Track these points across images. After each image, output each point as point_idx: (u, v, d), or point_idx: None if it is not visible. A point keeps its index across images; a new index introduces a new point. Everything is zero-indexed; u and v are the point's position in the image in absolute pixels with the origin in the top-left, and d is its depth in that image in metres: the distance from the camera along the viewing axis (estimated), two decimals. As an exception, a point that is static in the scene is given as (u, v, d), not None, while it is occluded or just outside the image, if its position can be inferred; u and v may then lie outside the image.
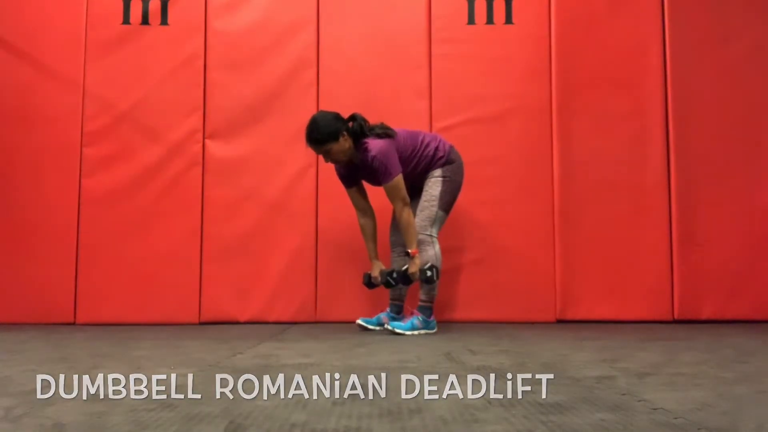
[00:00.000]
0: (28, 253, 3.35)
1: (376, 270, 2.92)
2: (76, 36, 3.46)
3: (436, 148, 2.87)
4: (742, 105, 3.46)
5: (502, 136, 3.44)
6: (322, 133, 2.72)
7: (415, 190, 2.89)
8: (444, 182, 2.84)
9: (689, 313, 3.34)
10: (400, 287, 2.97)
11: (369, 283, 2.96)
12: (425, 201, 2.83)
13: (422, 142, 2.87)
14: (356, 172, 2.90)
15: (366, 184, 2.98)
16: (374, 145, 2.73)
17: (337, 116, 2.77)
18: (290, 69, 3.48)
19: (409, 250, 2.77)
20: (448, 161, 2.87)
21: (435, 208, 2.81)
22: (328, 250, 3.40)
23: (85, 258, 3.36)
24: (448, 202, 2.86)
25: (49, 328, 3.14)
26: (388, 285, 2.86)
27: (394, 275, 2.81)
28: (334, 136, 2.72)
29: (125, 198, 3.39)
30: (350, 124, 2.79)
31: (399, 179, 2.75)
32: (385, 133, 2.78)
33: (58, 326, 3.23)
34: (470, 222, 3.40)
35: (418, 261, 2.77)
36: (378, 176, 2.76)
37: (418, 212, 2.84)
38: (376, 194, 2.96)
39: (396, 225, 2.96)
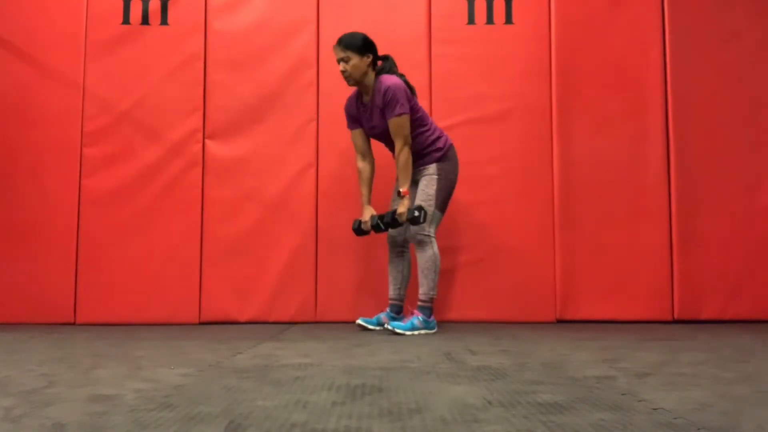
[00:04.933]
0: (28, 253, 3.35)
1: (367, 215, 2.91)
2: (76, 36, 3.46)
3: (438, 138, 2.89)
4: (742, 105, 3.46)
5: (502, 136, 3.44)
6: (352, 40, 2.81)
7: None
8: (439, 180, 2.85)
9: (689, 313, 3.34)
10: (399, 287, 2.97)
11: (358, 228, 2.94)
12: (421, 201, 2.83)
13: (432, 124, 2.93)
14: (363, 115, 2.92)
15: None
16: (390, 78, 2.80)
17: (373, 44, 2.85)
18: (290, 69, 3.48)
19: (401, 190, 2.78)
20: (445, 157, 2.88)
21: (431, 208, 2.82)
22: (328, 250, 3.40)
23: (85, 258, 3.36)
24: (443, 200, 2.87)
25: (49, 328, 3.14)
26: (377, 229, 2.87)
27: (384, 219, 2.81)
28: (360, 50, 2.80)
29: (125, 198, 3.39)
30: (379, 62, 2.88)
31: (406, 118, 2.78)
32: (406, 81, 2.86)
33: (58, 326, 3.23)
34: (470, 222, 3.40)
35: (407, 202, 2.78)
36: (387, 110, 2.77)
37: None
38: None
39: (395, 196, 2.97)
